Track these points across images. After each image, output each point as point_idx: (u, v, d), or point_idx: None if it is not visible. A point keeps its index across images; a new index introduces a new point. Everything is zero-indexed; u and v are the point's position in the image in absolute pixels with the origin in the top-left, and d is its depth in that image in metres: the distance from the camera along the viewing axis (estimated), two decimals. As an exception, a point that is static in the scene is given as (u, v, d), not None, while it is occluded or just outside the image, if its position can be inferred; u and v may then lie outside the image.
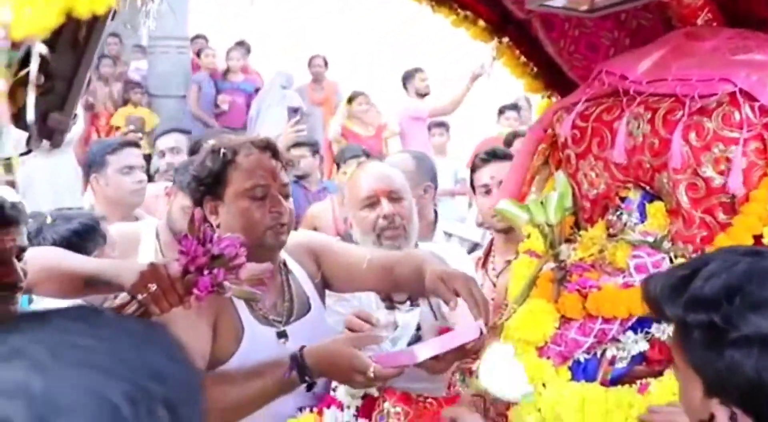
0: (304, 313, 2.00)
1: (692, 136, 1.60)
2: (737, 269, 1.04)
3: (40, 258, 1.89)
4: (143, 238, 2.74)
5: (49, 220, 2.41)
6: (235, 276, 1.70)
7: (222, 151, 1.93)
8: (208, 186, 1.93)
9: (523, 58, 2.49)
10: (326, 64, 8.85)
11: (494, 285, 2.77)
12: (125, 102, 8.28)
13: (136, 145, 3.38)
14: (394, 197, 2.28)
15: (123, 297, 1.72)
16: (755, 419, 1.02)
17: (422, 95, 7.49)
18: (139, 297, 1.67)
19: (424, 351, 1.71)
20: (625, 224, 1.75)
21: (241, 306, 1.91)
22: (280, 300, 1.98)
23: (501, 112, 7.17)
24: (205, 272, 1.67)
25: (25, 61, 0.91)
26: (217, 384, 1.73)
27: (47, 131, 1.14)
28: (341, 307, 2.13)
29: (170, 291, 1.65)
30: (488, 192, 2.83)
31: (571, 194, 1.90)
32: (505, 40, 2.43)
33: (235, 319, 1.89)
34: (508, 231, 2.71)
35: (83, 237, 2.41)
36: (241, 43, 8.88)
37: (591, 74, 2.24)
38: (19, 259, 1.79)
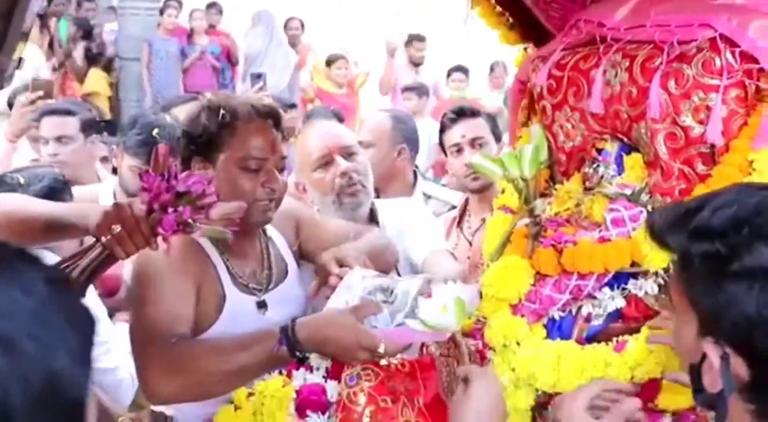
0: (281, 280, 1.93)
1: (671, 83, 1.54)
2: (749, 201, 1.00)
3: None
4: (101, 200, 2.67)
5: (22, 181, 2.35)
6: (205, 216, 1.61)
7: (221, 111, 1.78)
8: (199, 146, 1.80)
9: (498, 8, 2.42)
10: (303, 26, 8.68)
11: (470, 244, 2.73)
12: (90, 65, 8.12)
13: (60, 112, 3.15)
14: (347, 153, 2.21)
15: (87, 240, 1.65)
16: (747, 361, 0.97)
17: (416, 64, 7.41)
18: (103, 239, 1.59)
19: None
20: (601, 177, 1.69)
21: (223, 273, 1.83)
22: (259, 268, 1.90)
23: (448, 75, 7.14)
24: (170, 210, 1.58)
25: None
26: (205, 353, 1.66)
27: None
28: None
29: (135, 231, 1.57)
30: (459, 151, 2.77)
31: (547, 147, 1.84)
32: (480, -11, 2.35)
33: (217, 286, 1.81)
34: (482, 191, 2.66)
35: (57, 193, 2.34)
36: (211, 5, 8.68)
37: (566, 24, 2.17)
38: None
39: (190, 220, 1.59)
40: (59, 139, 3.05)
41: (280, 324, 1.79)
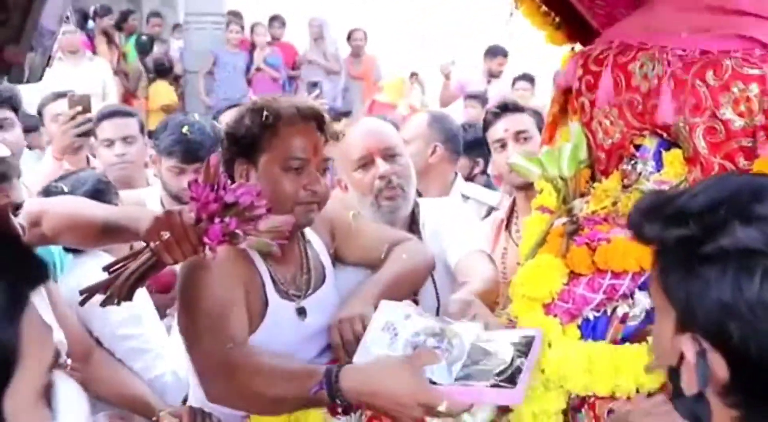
0: (320, 284, 1.91)
1: (709, 74, 1.48)
2: (728, 184, 0.93)
3: (60, 207, 1.86)
4: (148, 204, 2.71)
5: (66, 189, 2.40)
6: (254, 228, 1.61)
7: (264, 112, 1.78)
8: (242, 147, 1.80)
9: (544, 8, 2.38)
10: (366, 38, 8.76)
11: (504, 265, 2.64)
12: (154, 79, 8.35)
13: (122, 114, 3.21)
14: (388, 155, 2.17)
15: (138, 245, 1.67)
16: (725, 357, 0.88)
17: (493, 76, 7.41)
18: (152, 245, 1.62)
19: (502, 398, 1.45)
20: (639, 173, 1.64)
21: (267, 279, 1.82)
22: (299, 273, 1.88)
23: (513, 83, 7.05)
24: (217, 220, 1.59)
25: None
26: (251, 372, 1.65)
27: (4, 65, 1.08)
28: None
29: (183, 239, 1.58)
30: (503, 146, 2.71)
31: (586, 145, 1.80)
32: (525, -12, 2.32)
33: (261, 292, 1.80)
34: (529, 188, 2.59)
35: (103, 195, 2.39)
36: (274, 18, 8.85)
37: (613, 21, 2.12)
38: (15, 215, 1.76)
39: (236, 231, 1.60)
40: (125, 139, 3.09)
41: (318, 331, 1.81)
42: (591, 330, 1.58)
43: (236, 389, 1.66)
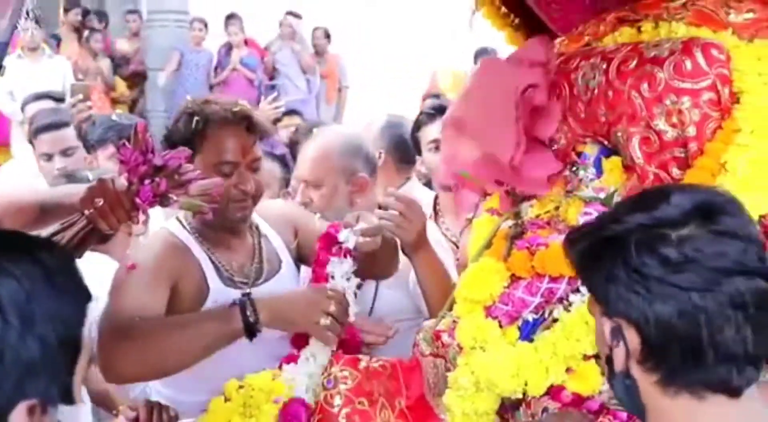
0: (272, 275, 1.98)
1: (644, 86, 1.52)
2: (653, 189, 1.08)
3: None
4: None
5: (90, 177, 2.44)
6: (184, 192, 1.69)
7: (195, 118, 1.87)
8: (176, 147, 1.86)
9: (504, 10, 2.42)
10: (328, 36, 8.72)
11: (456, 246, 2.68)
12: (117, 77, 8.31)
13: (57, 126, 3.15)
14: (311, 185, 2.29)
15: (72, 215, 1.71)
16: (635, 327, 1.02)
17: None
18: (86, 213, 1.66)
19: None
20: (580, 180, 1.69)
21: (207, 267, 1.89)
22: (248, 262, 1.96)
23: None
24: (147, 182, 1.65)
25: None
26: (160, 327, 1.73)
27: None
28: None
29: (117, 204, 1.64)
30: (438, 148, 2.69)
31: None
32: (485, -10, 2.35)
33: (200, 280, 1.88)
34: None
35: None
36: (230, 17, 8.69)
37: (569, 24, 2.16)
38: None
39: (167, 193, 1.65)
40: (64, 152, 3.08)
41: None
42: (530, 332, 1.63)
43: (149, 352, 1.70)
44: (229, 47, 8.35)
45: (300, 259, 2.04)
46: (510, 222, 1.81)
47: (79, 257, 1.65)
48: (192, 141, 1.84)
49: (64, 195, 1.80)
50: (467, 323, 1.63)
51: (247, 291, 1.88)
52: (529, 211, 1.77)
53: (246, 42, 8.42)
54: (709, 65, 1.46)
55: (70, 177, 2.53)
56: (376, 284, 2.22)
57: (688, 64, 1.47)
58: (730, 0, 1.55)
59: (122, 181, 1.65)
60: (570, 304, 1.58)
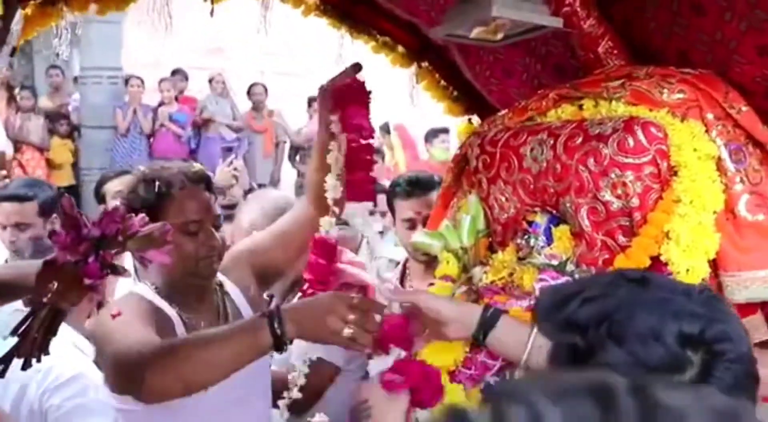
0: None
1: (590, 161, 1.64)
2: (614, 296, 1.05)
3: None
4: None
5: None
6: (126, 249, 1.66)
7: (156, 183, 1.91)
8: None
9: (443, 82, 2.55)
10: (266, 91, 8.86)
11: None
12: (52, 135, 8.19)
13: (17, 198, 3.10)
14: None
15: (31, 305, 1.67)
16: None
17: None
18: (45, 299, 1.63)
19: None
20: (532, 247, 1.79)
21: (179, 326, 1.92)
22: (215, 322, 1.99)
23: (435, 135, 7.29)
24: (91, 259, 1.61)
25: None
26: (187, 345, 1.68)
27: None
28: None
29: (73, 282, 1.61)
30: (412, 226, 2.74)
31: (484, 217, 1.94)
32: (425, 64, 2.48)
33: (171, 335, 1.88)
34: (430, 263, 2.67)
35: None
36: (176, 72, 8.82)
37: (507, 98, 2.30)
38: None
39: (114, 263, 1.64)
40: (17, 226, 3.02)
41: (237, 379, 1.81)
42: (492, 394, 1.71)
43: (179, 370, 1.62)
44: (160, 104, 8.38)
45: (267, 279, 2.12)
46: (464, 288, 1.90)
47: (53, 336, 1.64)
48: (155, 206, 1.88)
49: (18, 275, 1.77)
50: (433, 389, 1.69)
51: None
52: (483, 277, 1.86)
53: (177, 98, 8.46)
54: (649, 142, 1.59)
55: (36, 243, 2.47)
56: None
57: (630, 141, 1.60)
58: (662, 81, 1.69)
59: (67, 260, 1.62)
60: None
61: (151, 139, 8.43)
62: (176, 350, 1.64)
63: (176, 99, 8.64)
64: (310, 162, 2.07)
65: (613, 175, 1.62)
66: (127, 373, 1.68)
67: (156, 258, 1.74)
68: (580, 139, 1.67)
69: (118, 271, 1.68)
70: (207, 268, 1.95)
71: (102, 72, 8.49)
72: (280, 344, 1.59)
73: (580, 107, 1.80)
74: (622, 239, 1.65)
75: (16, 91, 8.15)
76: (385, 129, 7.53)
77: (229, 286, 2.07)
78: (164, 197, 1.90)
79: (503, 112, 2.02)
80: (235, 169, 4.45)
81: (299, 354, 2.20)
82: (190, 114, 8.58)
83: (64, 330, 2.38)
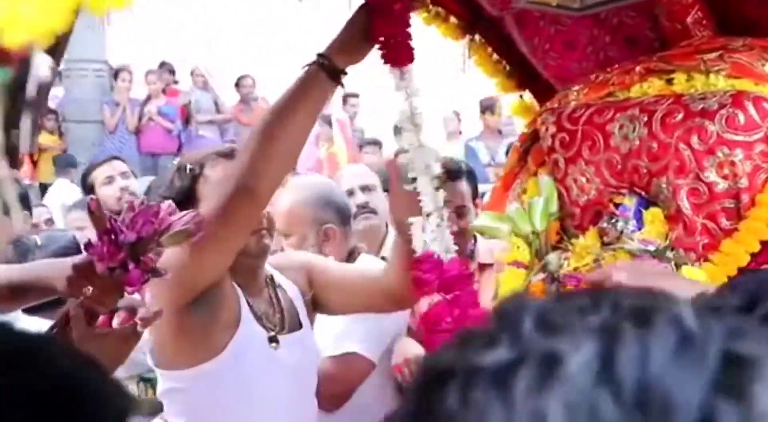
0: (295, 328, 1.89)
1: (694, 139, 1.53)
2: None
3: None
4: None
5: (39, 242, 2.30)
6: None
7: (188, 166, 1.82)
8: (180, 205, 1.79)
9: (495, 56, 2.41)
10: (254, 83, 8.68)
11: None
12: (39, 129, 7.96)
13: None
14: (280, 234, 2.24)
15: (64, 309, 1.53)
16: None
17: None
18: (80, 305, 1.49)
19: None
20: (621, 232, 1.67)
21: (243, 302, 1.81)
22: (271, 310, 1.87)
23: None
24: (131, 266, 1.47)
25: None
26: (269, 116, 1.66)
27: (10, 149, 0.99)
28: None
29: (106, 287, 1.47)
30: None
31: (557, 199, 1.82)
32: (477, 37, 2.34)
33: (236, 304, 1.79)
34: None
35: (71, 256, 2.28)
36: (162, 65, 8.59)
37: (564, 73, 2.17)
38: None
39: (155, 266, 1.52)
40: None
41: (292, 368, 1.82)
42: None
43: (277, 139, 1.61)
44: (148, 98, 8.15)
45: (315, 306, 1.96)
46: (541, 276, 1.78)
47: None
48: (192, 189, 1.79)
49: (37, 277, 1.63)
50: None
51: (273, 334, 1.82)
52: (564, 263, 1.74)
53: (165, 91, 8.23)
54: (762, 118, 1.48)
55: (17, 243, 2.35)
56: None
57: (741, 117, 1.48)
58: (765, 53, 1.58)
59: (103, 268, 1.46)
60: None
61: (139, 135, 8.20)
62: (264, 145, 1.59)
63: (163, 92, 8.42)
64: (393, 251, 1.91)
65: (720, 154, 1.50)
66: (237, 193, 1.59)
67: None
68: (680, 115, 1.55)
69: (160, 274, 1.55)
70: (257, 244, 1.81)
71: (87, 64, 8.25)
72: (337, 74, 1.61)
73: (669, 81, 1.68)
74: (725, 223, 1.54)
75: None
76: (327, 121, 7.39)
77: (282, 280, 1.93)
78: (198, 178, 1.79)
79: (576, 87, 1.89)
80: None
81: (336, 346, 2.11)
82: (179, 107, 8.37)
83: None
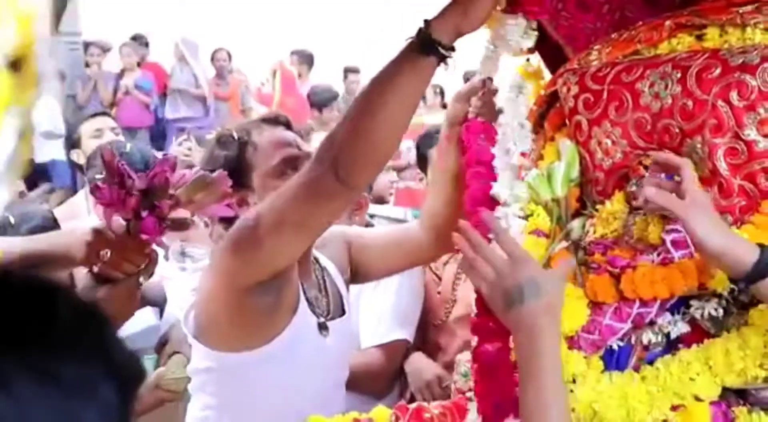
0: (338, 314, 1.85)
1: (733, 95, 1.45)
2: None
3: None
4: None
5: (13, 221, 2.20)
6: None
7: (234, 134, 1.74)
8: (230, 175, 1.72)
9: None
10: (230, 57, 8.53)
11: (439, 278, 2.56)
12: None
13: None
14: None
15: (84, 278, 1.50)
16: None
17: None
18: (95, 269, 1.46)
19: None
20: (651, 195, 1.59)
21: (299, 284, 1.75)
22: (319, 295, 1.82)
23: None
24: (145, 214, 1.42)
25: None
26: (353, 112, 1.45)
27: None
28: None
29: (125, 249, 1.43)
30: None
31: (578, 164, 1.74)
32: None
33: (297, 293, 1.72)
34: None
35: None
36: (135, 38, 8.43)
37: (575, 33, 2.08)
38: None
39: (171, 214, 1.44)
40: None
41: (336, 357, 1.79)
42: (615, 361, 1.52)
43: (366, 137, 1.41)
44: (122, 72, 7.96)
45: (356, 278, 1.93)
46: (563, 244, 1.70)
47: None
48: (242, 157, 1.71)
49: (47, 244, 1.57)
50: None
51: (323, 321, 1.77)
52: (590, 230, 1.66)
53: (139, 64, 8.05)
54: (806, 72, 1.40)
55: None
56: None
57: (786, 70, 1.40)
58: (805, 3, 1.50)
59: (119, 222, 1.42)
60: (661, 328, 1.48)
61: (114, 109, 8.02)
62: (353, 133, 1.40)
63: (138, 65, 8.24)
64: (431, 190, 1.85)
65: (761, 110, 1.43)
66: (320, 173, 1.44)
67: (218, 213, 1.53)
68: (718, 70, 1.47)
69: (181, 224, 1.46)
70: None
71: (60, 38, 8.06)
72: (433, 47, 1.36)
73: (699, 37, 1.60)
74: (765, 183, 1.46)
75: None
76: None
77: (325, 261, 1.87)
78: (245, 147, 1.71)
79: (597, 46, 1.80)
80: (189, 148, 4.08)
81: (382, 334, 2.10)
82: (155, 81, 8.19)
83: None
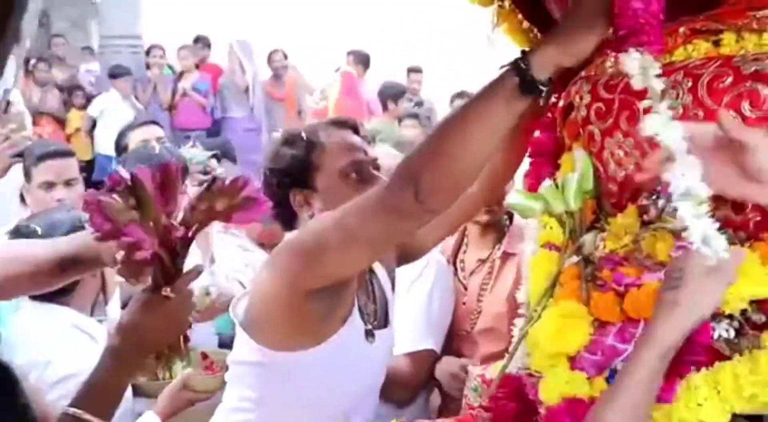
0: (383, 325, 1.86)
1: (745, 105, 1.37)
2: None
3: (2, 253, 1.66)
4: None
5: (40, 231, 2.24)
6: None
7: (302, 135, 1.75)
8: (292, 177, 1.74)
9: (525, 24, 2.26)
10: (286, 57, 8.60)
11: (465, 287, 2.49)
12: (68, 106, 7.93)
13: (63, 154, 3.00)
14: None
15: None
16: None
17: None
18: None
19: None
20: (662, 210, 1.52)
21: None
22: (368, 301, 1.83)
23: (452, 101, 7.03)
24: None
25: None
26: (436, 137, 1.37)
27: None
28: None
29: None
30: None
31: (593, 175, 1.68)
32: (507, 3, 2.19)
33: (352, 301, 1.73)
34: (488, 225, 2.47)
35: None
36: (197, 40, 8.58)
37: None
38: None
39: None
40: (67, 183, 2.89)
41: (378, 365, 1.81)
42: (620, 383, 1.46)
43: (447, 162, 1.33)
44: (180, 74, 8.12)
45: (408, 257, 1.95)
46: (575, 259, 1.64)
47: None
48: (309, 158, 1.72)
49: (80, 246, 1.60)
50: (553, 378, 1.44)
51: (370, 328, 1.77)
52: (600, 244, 1.60)
53: (197, 66, 8.18)
54: (822, 80, 1.31)
55: (15, 232, 2.28)
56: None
57: (799, 78, 1.32)
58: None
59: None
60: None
61: (173, 111, 8.16)
62: (437, 151, 1.33)
63: (197, 67, 8.37)
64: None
65: (775, 121, 1.34)
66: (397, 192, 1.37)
67: (242, 221, 1.49)
68: (729, 79, 1.39)
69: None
70: None
71: (122, 40, 8.24)
72: (533, 86, 1.27)
73: (716, 43, 1.51)
74: (778, 199, 1.38)
75: (32, 63, 7.88)
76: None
77: (375, 265, 1.87)
78: (313, 148, 1.72)
79: (613, 53, 1.73)
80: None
81: (412, 341, 2.09)
82: (212, 82, 8.30)
83: (67, 314, 2.21)
